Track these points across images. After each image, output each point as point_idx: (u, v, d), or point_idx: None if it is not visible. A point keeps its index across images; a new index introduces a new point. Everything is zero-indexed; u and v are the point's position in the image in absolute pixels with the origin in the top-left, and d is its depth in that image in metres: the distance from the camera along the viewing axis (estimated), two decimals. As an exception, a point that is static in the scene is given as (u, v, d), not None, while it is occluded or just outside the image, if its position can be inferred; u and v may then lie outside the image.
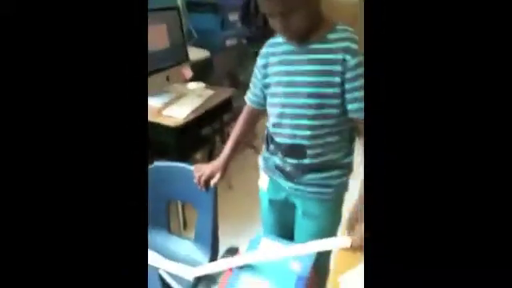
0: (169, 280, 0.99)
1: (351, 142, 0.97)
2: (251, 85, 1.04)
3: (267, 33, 0.93)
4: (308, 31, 0.85)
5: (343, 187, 1.00)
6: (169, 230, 1.22)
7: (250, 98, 1.05)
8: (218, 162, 1.07)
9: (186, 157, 1.75)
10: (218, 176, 1.05)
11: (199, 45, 2.43)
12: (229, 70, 2.68)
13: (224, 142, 2.29)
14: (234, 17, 2.68)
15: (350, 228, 0.84)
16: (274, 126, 0.96)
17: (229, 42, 2.67)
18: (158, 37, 1.73)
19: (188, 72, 1.87)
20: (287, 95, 0.90)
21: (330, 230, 0.97)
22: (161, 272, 0.99)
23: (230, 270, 0.81)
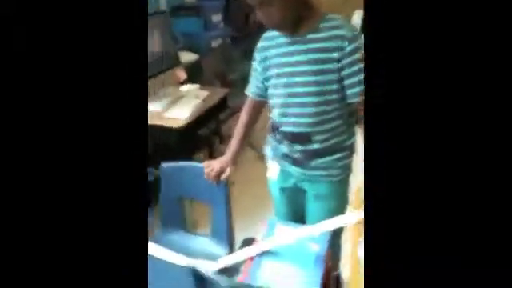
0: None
1: (352, 124, 1.01)
2: (251, 79, 1.07)
3: (250, 31, 0.96)
4: (296, 21, 0.88)
5: (348, 168, 1.04)
6: (185, 229, 1.24)
7: (251, 90, 1.08)
8: (227, 156, 1.10)
9: (188, 157, 1.78)
10: (228, 170, 1.08)
11: (186, 48, 2.44)
12: (217, 71, 2.70)
13: (222, 140, 2.30)
14: (217, 17, 2.70)
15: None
16: (279, 115, 0.99)
17: (214, 43, 2.68)
18: (150, 42, 1.74)
19: (182, 74, 1.89)
20: (289, 85, 0.94)
21: (339, 210, 1.02)
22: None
23: (251, 258, 0.84)
